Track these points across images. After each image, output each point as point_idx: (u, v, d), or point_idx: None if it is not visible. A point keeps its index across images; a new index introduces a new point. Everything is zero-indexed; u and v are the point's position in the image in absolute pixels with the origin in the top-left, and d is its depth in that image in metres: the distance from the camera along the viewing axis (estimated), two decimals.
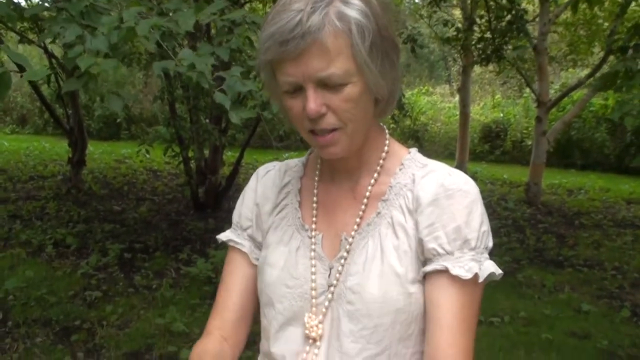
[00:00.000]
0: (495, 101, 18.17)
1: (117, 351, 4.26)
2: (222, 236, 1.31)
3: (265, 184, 1.27)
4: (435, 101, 18.64)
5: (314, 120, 1.05)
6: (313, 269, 1.13)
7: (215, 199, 8.39)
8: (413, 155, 1.18)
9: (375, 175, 1.16)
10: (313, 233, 1.16)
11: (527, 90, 15.31)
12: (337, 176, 1.19)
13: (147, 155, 8.14)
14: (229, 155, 8.73)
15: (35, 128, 17.77)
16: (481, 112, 17.38)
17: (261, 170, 1.31)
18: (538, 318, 5.05)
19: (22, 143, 14.91)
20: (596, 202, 10.78)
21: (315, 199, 1.20)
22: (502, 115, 16.78)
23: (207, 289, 5.41)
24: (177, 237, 7.06)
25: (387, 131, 1.21)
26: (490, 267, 1.06)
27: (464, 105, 12.96)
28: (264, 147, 15.20)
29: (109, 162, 12.59)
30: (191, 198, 8.39)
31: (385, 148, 1.18)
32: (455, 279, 1.04)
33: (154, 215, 8.12)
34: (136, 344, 4.37)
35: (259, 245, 1.26)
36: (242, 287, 1.25)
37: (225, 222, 7.67)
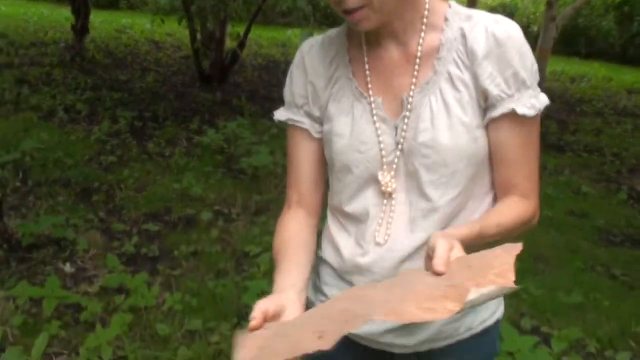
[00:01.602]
0: None
1: (137, 212, 4.44)
2: (279, 115, 1.34)
3: (313, 60, 1.29)
4: None
5: (340, 1, 1.11)
6: (379, 131, 1.21)
7: (221, 72, 8.39)
8: (454, 8, 1.22)
9: (422, 33, 1.20)
10: (372, 99, 1.22)
11: None
12: (383, 41, 1.23)
13: (162, 24, 7.99)
14: (232, 30, 8.63)
15: None
16: None
17: (305, 46, 1.33)
18: (540, 198, 5.23)
19: (19, 8, 14.60)
20: (598, 90, 10.84)
21: (367, 66, 1.24)
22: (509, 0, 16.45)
23: (220, 158, 5.55)
24: (186, 108, 7.13)
25: None
26: (545, 99, 1.18)
27: None
28: (265, 23, 14.95)
29: (109, 31, 12.42)
30: (197, 70, 8.38)
31: (426, 5, 1.21)
32: (520, 117, 1.15)
33: (160, 86, 8.14)
34: (155, 206, 4.54)
35: (317, 120, 1.30)
36: (310, 159, 1.32)
37: (233, 96, 7.76)
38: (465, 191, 1.19)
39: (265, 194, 4.89)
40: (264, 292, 3.25)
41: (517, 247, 0.97)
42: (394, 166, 1.20)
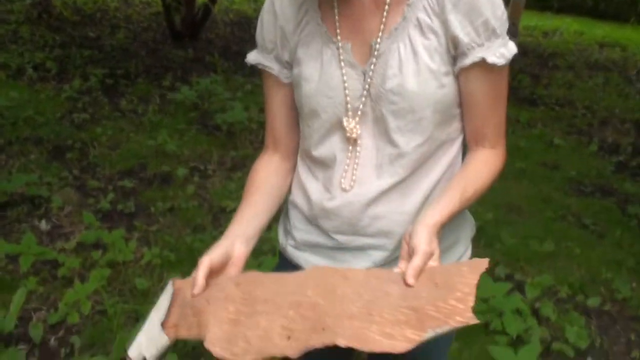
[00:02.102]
0: None
1: (112, 169, 4.40)
2: (251, 58, 1.35)
3: (283, 4, 1.27)
4: None
5: None
6: (345, 77, 1.21)
7: (192, 29, 8.25)
8: None
9: None
10: (340, 44, 1.21)
11: None
12: None
13: None
14: None
15: None
16: None
17: None
18: (512, 150, 5.28)
19: None
20: (570, 44, 10.89)
21: (336, 11, 1.23)
22: None
23: (194, 115, 5.50)
24: (158, 65, 7.03)
25: None
26: (514, 48, 1.19)
27: None
28: None
29: None
30: (168, 27, 8.24)
31: None
32: (490, 66, 1.16)
33: (131, 42, 7.99)
34: (129, 163, 4.51)
35: (286, 65, 1.30)
36: (282, 104, 1.34)
37: (206, 52, 7.66)
38: (432, 138, 1.20)
39: (241, 149, 4.87)
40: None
41: (483, 265, 1.01)
42: (359, 112, 1.21)
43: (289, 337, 0.96)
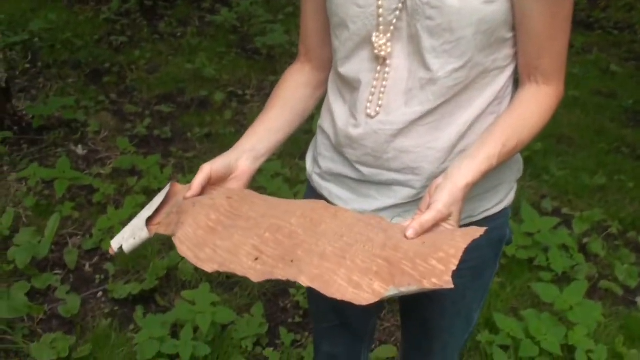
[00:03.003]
0: None
1: (149, 93, 4.33)
2: None
3: None
4: None
5: None
6: None
7: None
8: None
9: None
10: None
11: None
12: None
13: None
14: None
15: None
16: None
17: None
18: (565, 77, 5.03)
19: None
20: None
21: None
22: None
23: (233, 38, 5.35)
24: None
25: None
26: None
27: None
28: None
29: None
30: None
31: None
32: None
33: None
34: (167, 87, 4.42)
35: None
36: (316, 11, 1.22)
37: None
38: (472, 63, 1.04)
39: (281, 74, 4.62)
40: (278, 174, 3.20)
41: (478, 232, 0.90)
42: (392, 28, 1.05)
43: (256, 259, 0.92)
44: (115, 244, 1.06)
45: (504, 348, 2.26)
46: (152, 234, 1.05)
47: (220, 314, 2.21)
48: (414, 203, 1.13)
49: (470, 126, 1.09)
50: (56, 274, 2.62)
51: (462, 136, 1.09)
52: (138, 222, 1.07)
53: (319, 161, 1.26)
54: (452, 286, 0.82)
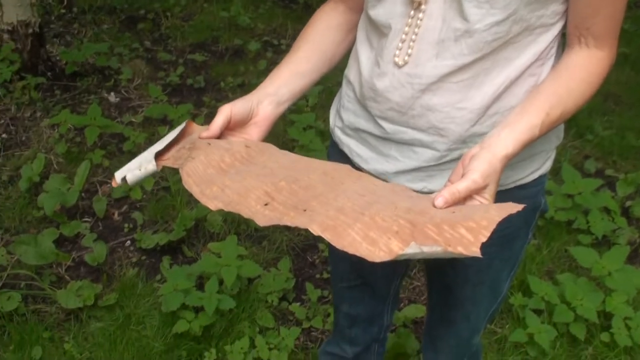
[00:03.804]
0: None
1: (183, 41, 4.26)
2: None
3: None
4: None
5: None
6: None
7: None
8: None
9: None
10: None
11: None
12: None
13: None
14: None
15: None
16: None
17: None
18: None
19: None
20: None
21: None
22: None
23: None
24: None
25: None
26: None
27: None
28: None
29: None
30: None
31: None
32: None
33: None
34: (202, 35, 4.35)
35: None
36: None
37: None
38: (516, 18, 0.93)
39: None
40: (310, 126, 3.12)
41: (515, 208, 0.79)
42: None
43: (266, 204, 0.85)
44: (119, 175, 1.00)
45: (538, 312, 2.19)
46: (159, 167, 1.00)
47: (246, 268, 2.18)
48: (438, 167, 1.04)
49: (507, 88, 0.99)
50: (85, 221, 2.61)
51: (497, 98, 1.00)
52: (147, 155, 1.01)
53: (342, 114, 1.18)
54: (479, 255, 0.73)
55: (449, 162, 1.04)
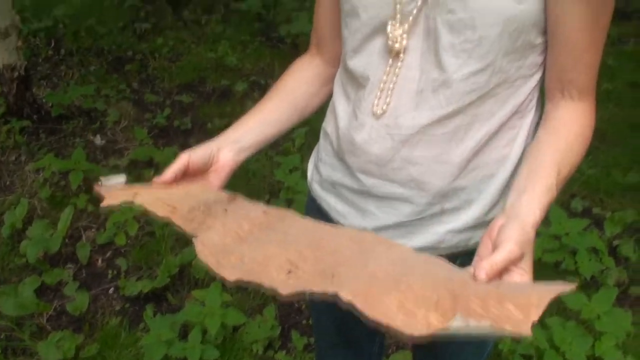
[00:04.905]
0: None
1: (171, 82, 4.27)
2: None
3: None
4: None
5: None
6: None
7: None
8: None
9: None
10: None
11: None
12: None
13: None
14: None
15: None
16: None
17: None
18: (600, 69, 4.86)
19: None
20: None
21: None
22: None
23: (257, 26, 5.26)
24: None
25: None
26: None
27: None
28: None
29: None
30: None
31: None
32: None
33: None
34: (189, 76, 4.36)
35: None
36: (330, 3, 1.13)
37: None
38: (493, 68, 0.93)
39: None
40: (296, 168, 3.11)
41: (566, 287, 0.71)
42: (411, 18, 0.95)
43: (289, 272, 0.78)
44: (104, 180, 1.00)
45: (527, 358, 2.16)
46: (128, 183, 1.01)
47: (231, 316, 2.15)
48: (419, 222, 1.03)
49: (488, 141, 0.99)
50: (68, 268, 2.58)
51: (478, 151, 0.99)
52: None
53: (320, 168, 1.17)
54: (529, 334, 0.66)
55: (429, 217, 1.03)
